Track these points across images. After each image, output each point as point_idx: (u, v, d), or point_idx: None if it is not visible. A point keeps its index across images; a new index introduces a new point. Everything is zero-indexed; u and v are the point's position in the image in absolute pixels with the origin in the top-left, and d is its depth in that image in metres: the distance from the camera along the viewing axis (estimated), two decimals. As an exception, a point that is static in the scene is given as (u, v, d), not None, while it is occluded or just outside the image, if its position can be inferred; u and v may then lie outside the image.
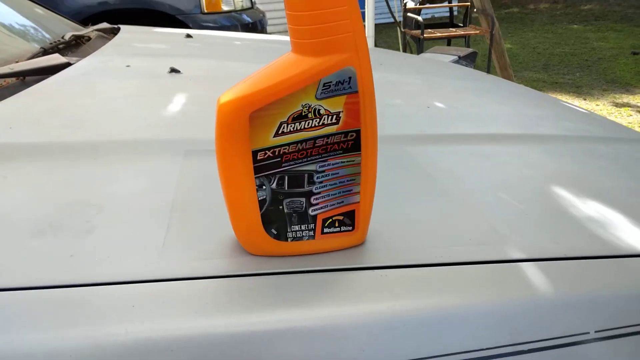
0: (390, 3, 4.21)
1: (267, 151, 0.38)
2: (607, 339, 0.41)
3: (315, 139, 0.39)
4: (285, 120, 0.38)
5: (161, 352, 0.34)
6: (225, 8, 3.21)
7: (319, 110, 0.38)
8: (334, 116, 0.38)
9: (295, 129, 0.38)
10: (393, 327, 0.38)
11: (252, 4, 3.53)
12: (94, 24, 1.54)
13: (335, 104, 0.38)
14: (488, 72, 3.49)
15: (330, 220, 0.42)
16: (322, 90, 0.37)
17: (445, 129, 0.75)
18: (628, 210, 0.53)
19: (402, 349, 0.37)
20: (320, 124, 0.38)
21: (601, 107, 3.78)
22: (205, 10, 3.15)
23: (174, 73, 0.88)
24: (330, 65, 0.36)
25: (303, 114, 0.38)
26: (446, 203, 0.52)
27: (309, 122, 0.38)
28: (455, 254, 0.44)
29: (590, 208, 0.53)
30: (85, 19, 2.82)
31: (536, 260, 0.44)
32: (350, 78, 0.37)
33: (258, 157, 0.38)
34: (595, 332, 0.41)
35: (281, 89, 0.36)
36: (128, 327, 0.34)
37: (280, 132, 0.38)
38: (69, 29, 1.29)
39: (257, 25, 3.37)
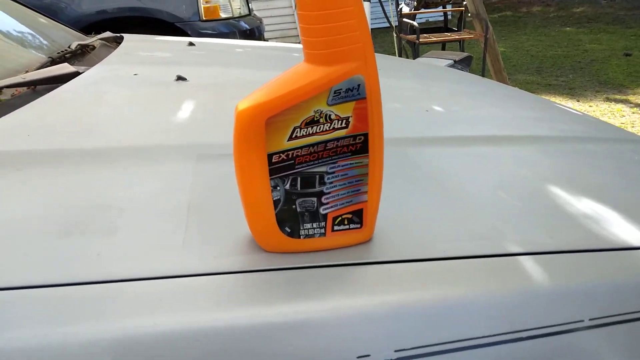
0: (385, 8, 4.26)
1: (281, 154, 0.41)
2: (600, 326, 0.44)
3: (326, 142, 0.42)
4: (299, 125, 0.40)
5: (188, 342, 0.36)
6: (223, 15, 3.24)
7: (329, 115, 0.41)
8: (344, 121, 0.41)
9: (307, 133, 0.41)
10: (400, 317, 0.40)
11: (250, 10, 3.57)
12: (94, 32, 1.57)
13: (345, 110, 0.41)
14: (483, 75, 3.54)
15: (340, 218, 0.45)
16: (333, 97, 0.40)
17: (444, 131, 0.78)
18: (618, 207, 0.56)
19: (409, 337, 0.40)
20: (331, 128, 0.41)
21: (594, 108, 3.83)
22: (204, 18, 3.18)
23: (180, 81, 0.91)
24: (340, 74, 0.39)
25: (315, 119, 0.40)
26: (447, 201, 0.55)
27: (320, 127, 0.41)
28: (457, 249, 0.46)
29: (583, 205, 0.56)
30: (85, 28, 2.85)
31: (533, 254, 0.47)
32: (359, 85, 0.40)
33: (273, 160, 0.41)
34: (589, 320, 0.43)
35: (295, 96, 0.39)
36: (156, 319, 0.37)
37: (293, 136, 0.41)
38: (73, 38, 1.31)
39: (254, 32, 3.40)
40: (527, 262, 0.46)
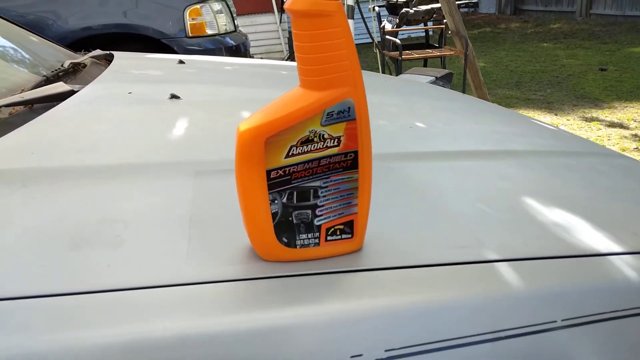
0: (368, 24, 4.36)
1: (279, 170, 0.45)
2: (572, 326, 0.47)
3: (320, 159, 0.46)
4: (295, 143, 0.44)
5: (196, 345, 0.39)
6: (209, 32, 3.28)
7: (323, 135, 0.45)
8: (336, 140, 0.45)
9: (303, 151, 0.45)
10: (389, 319, 0.44)
11: (236, 27, 3.62)
12: (83, 50, 1.60)
13: (337, 130, 0.45)
14: (464, 90, 3.63)
15: (333, 229, 0.49)
16: (326, 118, 0.44)
17: (426, 146, 0.83)
18: (587, 216, 0.60)
19: (398, 337, 0.44)
20: (324, 146, 0.45)
21: (572, 121, 3.95)
22: (190, 34, 3.22)
23: (174, 99, 0.94)
24: (333, 98, 0.43)
25: (310, 138, 0.44)
26: (430, 213, 0.59)
27: (314, 145, 0.45)
28: (440, 256, 0.50)
29: (556, 214, 0.60)
30: (71, 44, 2.86)
31: (510, 260, 0.51)
32: (349, 108, 0.44)
33: (271, 176, 0.45)
34: (562, 320, 0.47)
35: (292, 118, 0.43)
36: (166, 324, 0.40)
37: (290, 153, 0.45)
38: (63, 56, 1.34)
39: (240, 48, 3.45)
40: (505, 268, 0.50)
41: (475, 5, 11.01)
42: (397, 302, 0.45)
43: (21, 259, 0.46)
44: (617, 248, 0.54)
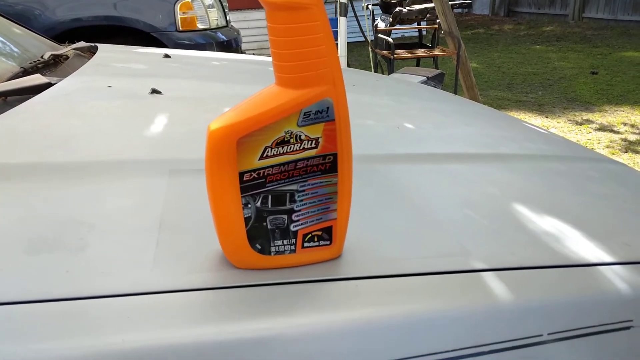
0: (361, 23, 4.33)
1: (252, 173, 0.42)
2: (559, 340, 0.46)
3: (296, 161, 0.43)
4: (270, 144, 0.41)
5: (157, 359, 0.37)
6: (200, 26, 3.24)
7: (300, 136, 0.42)
8: (314, 141, 0.43)
9: (278, 152, 0.42)
10: (367, 333, 0.41)
11: (227, 22, 3.57)
12: (68, 41, 1.56)
13: (315, 131, 0.42)
14: (455, 91, 3.62)
15: (310, 235, 0.46)
16: (303, 118, 0.41)
17: (414, 148, 0.80)
18: (577, 224, 0.58)
19: (376, 352, 0.41)
20: (301, 148, 0.42)
21: (562, 124, 3.95)
22: (181, 28, 3.17)
23: (154, 94, 0.91)
24: (310, 97, 0.40)
25: (286, 139, 0.42)
26: (415, 219, 0.57)
27: (291, 147, 0.42)
28: (423, 265, 0.48)
29: (545, 222, 0.58)
30: (58, 35, 2.81)
31: (495, 269, 0.48)
32: (328, 108, 0.41)
33: (244, 178, 0.42)
34: (548, 334, 0.45)
35: (266, 117, 0.40)
36: (125, 336, 0.37)
37: (264, 155, 0.42)
38: (47, 48, 1.30)
39: (232, 44, 3.41)
40: (490, 278, 0.47)
41: (469, 6, 11.02)
42: (376, 313, 0.42)
43: (-27, 263, 0.43)
44: (607, 258, 0.52)
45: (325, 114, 0.42)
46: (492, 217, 0.59)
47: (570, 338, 0.46)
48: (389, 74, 3.61)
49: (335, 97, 0.41)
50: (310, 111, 0.41)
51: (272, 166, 0.42)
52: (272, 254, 0.45)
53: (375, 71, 4.23)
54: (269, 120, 0.40)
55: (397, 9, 4.34)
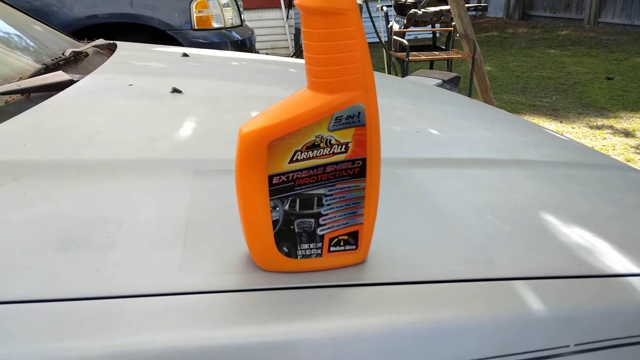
0: (376, 24, 4.32)
1: (281, 176, 0.42)
2: (586, 352, 0.45)
3: (325, 165, 0.43)
4: (300, 148, 0.42)
5: (185, 360, 0.37)
6: (215, 25, 3.25)
7: (330, 140, 0.42)
8: (343, 146, 0.42)
9: (308, 156, 0.42)
10: (392, 339, 0.41)
11: (242, 21, 3.58)
12: (86, 39, 1.57)
13: (345, 135, 0.42)
14: (470, 94, 3.60)
15: (336, 239, 0.46)
16: (334, 123, 0.41)
17: (435, 153, 0.80)
18: (604, 233, 0.58)
19: (401, 357, 0.41)
20: (331, 152, 0.42)
21: (577, 130, 3.92)
22: (196, 27, 3.19)
23: (175, 93, 0.91)
24: (342, 102, 0.40)
25: (316, 143, 0.42)
26: (438, 224, 0.56)
27: (320, 151, 0.42)
28: (447, 272, 0.48)
29: (570, 230, 0.58)
30: (75, 32, 2.83)
31: (521, 278, 0.48)
32: (359, 113, 0.41)
33: (273, 182, 0.42)
34: (575, 345, 0.45)
35: (298, 122, 0.40)
36: (155, 336, 0.37)
37: (294, 159, 0.42)
38: (66, 44, 1.31)
39: (246, 43, 3.42)
40: (515, 286, 0.47)
41: (484, 9, 10.97)
42: (401, 319, 0.42)
43: (3, 260, 0.43)
44: (635, 269, 0.51)
45: (357, 119, 0.42)
46: (515, 224, 0.58)
47: (597, 349, 0.45)
48: (402, 76, 3.60)
49: (367, 103, 0.41)
50: (342, 116, 0.41)
51: (301, 170, 0.42)
52: (298, 257, 0.45)
53: (389, 73, 4.22)
54: (300, 125, 0.40)
55: (412, 10, 4.32)
